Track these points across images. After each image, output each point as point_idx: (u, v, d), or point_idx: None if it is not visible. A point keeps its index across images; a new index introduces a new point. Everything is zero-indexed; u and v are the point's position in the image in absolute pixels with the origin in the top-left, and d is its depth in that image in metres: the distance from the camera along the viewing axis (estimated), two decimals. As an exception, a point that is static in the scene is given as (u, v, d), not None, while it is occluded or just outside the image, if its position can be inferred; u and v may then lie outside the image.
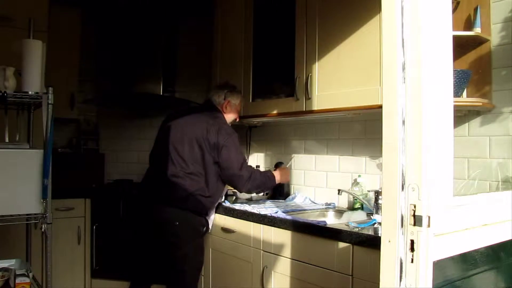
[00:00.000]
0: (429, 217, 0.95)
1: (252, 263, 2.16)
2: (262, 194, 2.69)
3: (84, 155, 3.47)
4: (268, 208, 2.25)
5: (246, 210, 2.24)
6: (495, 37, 1.85)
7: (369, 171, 2.35)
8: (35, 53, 1.86)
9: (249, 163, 2.52)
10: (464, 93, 1.89)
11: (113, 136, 3.65)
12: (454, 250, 1.07)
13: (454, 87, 1.74)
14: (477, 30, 1.82)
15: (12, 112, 2.18)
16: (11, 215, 1.78)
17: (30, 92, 1.85)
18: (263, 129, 3.06)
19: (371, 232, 1.71)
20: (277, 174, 2.41)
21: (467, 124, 1.93)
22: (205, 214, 2.32)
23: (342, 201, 2.48)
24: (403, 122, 0.99)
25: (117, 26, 3.41)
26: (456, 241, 1.07)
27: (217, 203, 2.40)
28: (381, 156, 1.04)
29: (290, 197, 2.69)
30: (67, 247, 2.90)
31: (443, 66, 1.04)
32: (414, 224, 0.96)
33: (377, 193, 2.06)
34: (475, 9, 1.85)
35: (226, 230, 2.35)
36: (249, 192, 2.37)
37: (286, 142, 2.89)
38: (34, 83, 1.85)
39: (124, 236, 2.92)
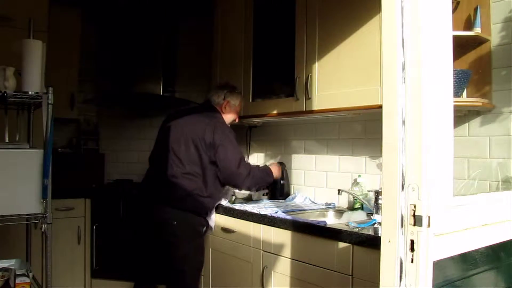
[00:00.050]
0: (429, 217, 0.95)
1: (252, 263, 2.16)
2: (263, 194, 2.69)
3: (84, 155, 3.47)
4: (268, 208, 2.24)
5: (246, 210, 2.24)
6: (495, 37, 1.85)
7: (369, 171, 2.35)
8: (35, 53, 1.86)
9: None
10: (464, 93, 1.89)
11: (113, 136, 3.65)
12: (454, 250, 1.07)
13: (454, 87, 1.74)
14: (477, 30, 1.82)
15: (12, 112, 2.17)
16: (11, 215, 1.78)
17: (30, 92, 1.84)
18: (263, 129, 3.06)
19: (371, 232, 1.71)
20: (273, 170, 2.41)
21: (467, 124, 1.93)
22: (205, 214, 2.32)
23: (342, 201, 2.48)
24: (403, 122, 0.99)
25: (117, 26, 3.42)
26: (456, 241, 1.07)
27: (217, 203, 2.40)
28: (381, 156, 1.04)
29: (290, 197, 2.68)
30: (67, 247, 2.90)
31: (443, 66, 1.04)
32: (414, 224, 0.96)
33: (377, 193, 2.06)
34: (475, 9, 1.85)
35: (226, 230, 2.35)
36: (249, 189, 2.36)
37: (286, 142, 2.89)
38: (34, 83, 1.85)
39: (124, 236, 2.92)
